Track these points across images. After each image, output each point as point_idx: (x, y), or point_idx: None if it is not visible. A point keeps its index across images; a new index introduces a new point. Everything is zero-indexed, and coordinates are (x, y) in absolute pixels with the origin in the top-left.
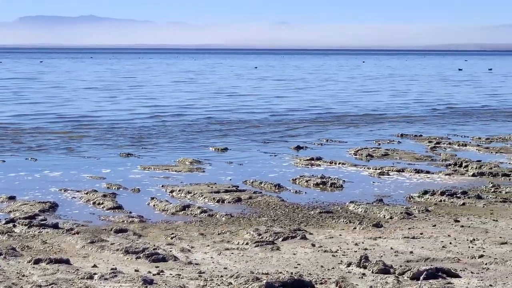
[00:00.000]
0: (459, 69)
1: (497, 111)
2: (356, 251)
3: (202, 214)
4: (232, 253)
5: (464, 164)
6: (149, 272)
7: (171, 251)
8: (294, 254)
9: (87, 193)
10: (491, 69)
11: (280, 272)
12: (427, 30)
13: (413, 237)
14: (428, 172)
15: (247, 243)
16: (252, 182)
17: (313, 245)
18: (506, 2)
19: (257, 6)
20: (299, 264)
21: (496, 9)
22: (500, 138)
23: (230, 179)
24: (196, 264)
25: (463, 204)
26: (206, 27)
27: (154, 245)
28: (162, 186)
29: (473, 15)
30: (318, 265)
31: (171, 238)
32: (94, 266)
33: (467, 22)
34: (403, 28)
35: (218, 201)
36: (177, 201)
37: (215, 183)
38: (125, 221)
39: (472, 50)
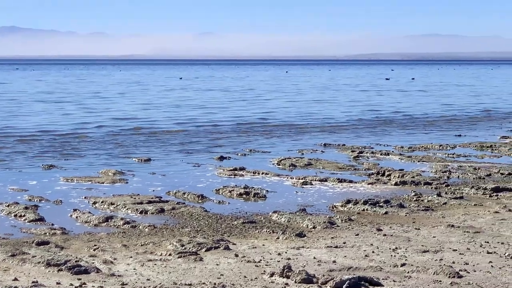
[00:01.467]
0: (386, 79)
1: (418, 120)
2: (279, 261)
3: (125, 225)
4: (155, 264)
5: (386, 173)
6: (71, 284)
7: (93, 263)
8: (217, 264)
9: (8, 206)
10: (413, 79)
11: (203, 283)
12: (352, 40)
13: (336, 246)
14: (351, 181)
15: (170, 254)
16: (175, 192)
17: (236, 255)
18: (429, 12)
19: (181, 16)
20: (222, 275)
21: (420, 18)
22: (422, 147)
23: (153, 190)
24: (118, 275)
25: (386, 213)
26: (129, 37)
27: (77, 257)
28: (85, 197)
29: (398, 25)
30: (241, 275)
31: (94, 250)
32: (15, 279)
33: (391, 32)
34: (328, 37)
35: (141, 212)
36: (100, 212)
37: (138, 194)
38: (47, 233)
39: (398, 60)
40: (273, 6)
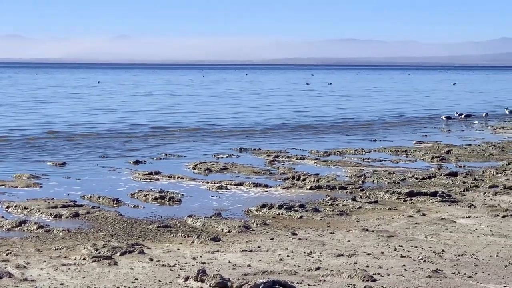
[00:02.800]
0: (307, 83)
1: (335, 125)
2: (194, 265)
3: (38, 229)
4: (69, 268)
5: (302, 178)
6: None
7: (6, 267)
8: (132, 269)
9: None
10: (330, 83)
11: (118, 287)
12: (270, 44)
13: (251, 250)
14: (266, 185)
15: (84, 259)
16: (90, 197)
17: (151, 259)
18: (347, 17)
19: (96, 19)
20: (136, 279)
21: (337, 23)
22: (337, 151)
23: (68, 194)
24: (32, 280)
25: (301, 217)
26: (43, 40)
27: None
28: None
29: (316, 29)
30: (156, 279)
31: (6, 255)
32: None
33: (310, 36)
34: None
35: (55, 217)
36: (13, 217)
37: (53, 198)
38: None
39: (316, 64)
40: (190, 9)
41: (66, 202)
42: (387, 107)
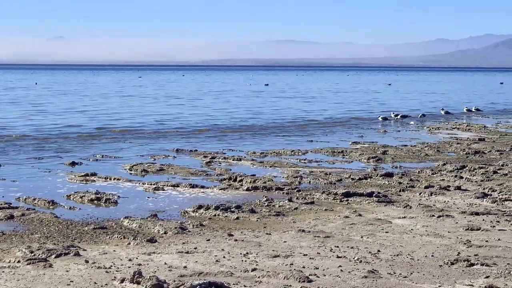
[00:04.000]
0: (249, 84)
1: (272, 126)
2: (130, 267)
3: None
4: (3, 271)
5: (238, 179)
6: None
7: None
8: (67, 271)
9: None
10: (267, 84)
11: None
12: (206, 45)
13: (187, 252)
14: (203, 186)
15: (18, 261)
16: (25, 199)
17: (87, 261)
18: (283, 18)
19: (32, 19)
20: (72, 281)
21: (274, 25)
22: (274, 152)
23: (3, 196)
24: None
25: (237, 218)
26: None
27: None
28: None
29: (252, 30)
30: (92, 281)
31: None
32: None
33: (246, 37)
34: (183, 42)
35: None
36: None
37: None
38: None
39: (253, 66)
40: (125, 10)
41: (1, 204)
42: (324, 107)
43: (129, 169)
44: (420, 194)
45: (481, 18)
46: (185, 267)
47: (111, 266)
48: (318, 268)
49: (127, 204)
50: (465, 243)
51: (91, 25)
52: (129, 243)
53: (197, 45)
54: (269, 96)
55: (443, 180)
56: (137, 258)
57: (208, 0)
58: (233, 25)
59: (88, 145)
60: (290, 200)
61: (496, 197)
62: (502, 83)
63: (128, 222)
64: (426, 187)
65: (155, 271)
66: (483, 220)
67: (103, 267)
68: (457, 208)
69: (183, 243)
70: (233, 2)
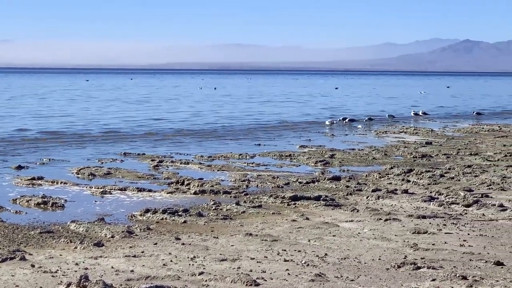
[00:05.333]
0: (200, 88)
1: (219, 130)
2: (76, 271)
3: None
4: None
5: (186, 182)
6: None
7: None
8: (13, 275)
9: None
10: (215, 88)
11: None
12: (155, 49)
13: (134, 256)
14: (150, 190)
15: None
16: None
17: (33, 266)
18: (231, 21)
19: None
20: (17, 286)
21: (222, 28)
22: (222, 156)
23: None
24: None
25: (185, 222)
26: None
27: None
28: None
29: (200, 34)
30: (37, 286)
31: None
32: None
33: (195, 41)
34: (132, 46)
35: None
36: None
37: None
38: None
39: (202, 69)
40: (76, 13)
41: None
42: (273, 111)
43: (76, 173)
44: (367, 197)
45: (428, 23)
46: (132, 271)
47: (57, 270)
48: (265, 272)
49: (74, 208)
50: (411, 247)
51: (38, 28)
52: (75, 247)
53: (145, 49)
54: (218, 100)
55: (390, 183)
56: (83, 262)
57: (155, 4)
58: (181, 29)
59: (35, 149)
60: (237, 203)
61: (443, 201)
62: (448, 87)
63: (75, 226)
64: (373, 191)
65: (102, 275)
66: (430, 223)
67: (49, 272)
68: (404, 211)
69: (130, 247)
70: (180, 6)
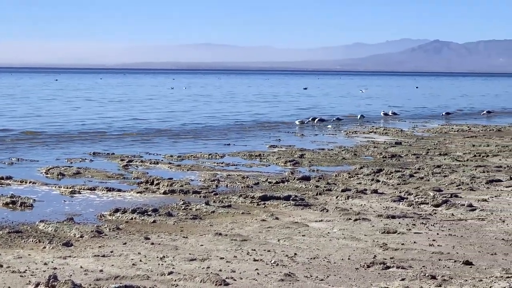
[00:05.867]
0: (171, 88)
1: (189, 129)
2: (45, 271)
3: None
4: None
5: (155, 182)
6: None
7: None
8: None
9: None
10: (185, 88)
11: None
12: (123, 48)
13: (104, 255)
14: (120, 190)
15: None
16: None
17: (1, 265)
18: (201, 21)
19: None
20: None
21: (191, 27)
22: (191, 155)
23: None
24: None
25: (154, 221)
26: None
27: None
28: None
29: (170, 34)
30: (6, 286)
31: None
32: None
33: (163, 41)
34: (99, 45)
35: None
36: None
37: None
38: None
39: (170, 69)
40: (43, 13)
41: None
42: (244, 111)
43: (45, 172)
44: (337, 197)
45: (398, 23)
46: (101, 270)
47: (26, 270)
48: (235, 271)
49: (43, 208)
50: (381, 246)
51: (4, 27)
52: (44, 247)
53: (115, 49)
54: (188, 99)
55: (360, 183)
56: (52, 262)
57: (125, 4)
58: (151, 29)
59: (3, 149)
60: (207, 203)
61: (412, 201)
62: (417, 87)
63: (44, 226)
64: (343, 191)
65: (71, 275)
66: (399, 223)
67: (17, 271)
68: (374, 211)
69: (100, 246)
70: (149, 5)
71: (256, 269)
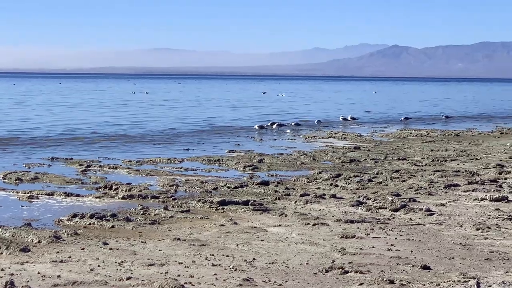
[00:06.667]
0: (133, 92)
1: (149, 134)
2: (2, 277)
3: None
4: None
5: (114, 187)
6: None
7: None
8: None
9: None
10: (148, 92)
11: None
12: (83, 53)
13: (61, 261)
14: (78, 195)
15: None
16: None
17: None
18: (159, 26)
19: None
20: None
21: (150, 33)
22: (150, 160)
23: None
24: None
25: (113, 226)
26: None
27: None
28: None
29: (129, 39)
30: None
31: None
32: None
33: (123, 46)
34: (58, 50)
35: None
36: None
37: None
38: None
39: (129, 74)
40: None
41: None
42: (203, 116)
43: (2, 177)
44: (295, 202)
45: (357, 28)
46: (58, 276)
47: None
48: (193, 277)
49: (0, 213)
50: (339, 251)
51: None
52: (1, 253)
53: (74, 54)
54: (148, 104)
55: (318, 188)
56: (9, 268)
57: (82, 9)
58: (110, 34)
59: None
60: (165, 208)
61: (371, 205)
62: (376, 92)
63: (1, 231)
64: (301, 195)
65: (28, 281)
66: (358, 228)
67: None
68: (332, 216)
69: (57, 252)
70: (107, 10)
71: (215, 274)
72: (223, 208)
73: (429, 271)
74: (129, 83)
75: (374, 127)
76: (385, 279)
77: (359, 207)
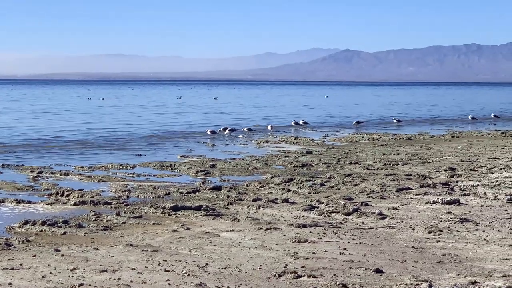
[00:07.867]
0: (89, 99)
1: (100, 140)
2: None
3: None
4: None
5: (66, 193)
6: None
7: None
8: None
9: None
10: (103, 99)
11: None
12: (35, 59)
13: (13, 268)
14: (29, 202)
15: None
16: None
17: None
18: (110, 32)
19: None
20: None
21: (102, 38)
22: (102, 166)
23: None
24: None
25: (65, 233)
26: None
27: None
28: None
29: (79, 44)
30: None
31: None
32: None
33: (72, 51)
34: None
35: None
36: None
37: None
38: None
39: (81, 80)
40: None
41: None
42: (154, 121)
43: None
44: (248, 207)
45: (309, 33)
46: (10, 283)
47: None
48: (146, 282)
49: None
50: (292, 255)
51: None
52: None
53: (24, 60)
54: (100, 110)
55: (271, 193)
56: None
57: (34, 13)
58: (60, 40)
59: None
60: (118, 214)
61: (323, 209)
62: (327, 97)
63: None
64: (254, 200)
65: None
66: (310, 232)
67: None
68: (285, 220)
69: (8, 259)
70: (59, 15)
71: (168, 279)
72: (175, 214)
73: (381, 275)
74: (84, 89)
75: (326, 131)
76: (338, 283)
77: (312, 212)
